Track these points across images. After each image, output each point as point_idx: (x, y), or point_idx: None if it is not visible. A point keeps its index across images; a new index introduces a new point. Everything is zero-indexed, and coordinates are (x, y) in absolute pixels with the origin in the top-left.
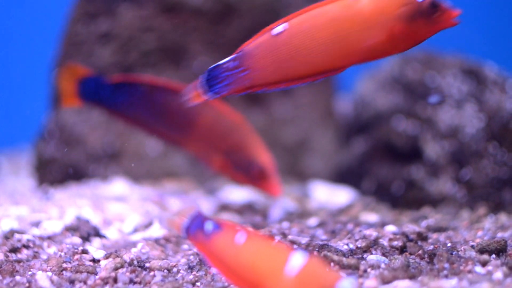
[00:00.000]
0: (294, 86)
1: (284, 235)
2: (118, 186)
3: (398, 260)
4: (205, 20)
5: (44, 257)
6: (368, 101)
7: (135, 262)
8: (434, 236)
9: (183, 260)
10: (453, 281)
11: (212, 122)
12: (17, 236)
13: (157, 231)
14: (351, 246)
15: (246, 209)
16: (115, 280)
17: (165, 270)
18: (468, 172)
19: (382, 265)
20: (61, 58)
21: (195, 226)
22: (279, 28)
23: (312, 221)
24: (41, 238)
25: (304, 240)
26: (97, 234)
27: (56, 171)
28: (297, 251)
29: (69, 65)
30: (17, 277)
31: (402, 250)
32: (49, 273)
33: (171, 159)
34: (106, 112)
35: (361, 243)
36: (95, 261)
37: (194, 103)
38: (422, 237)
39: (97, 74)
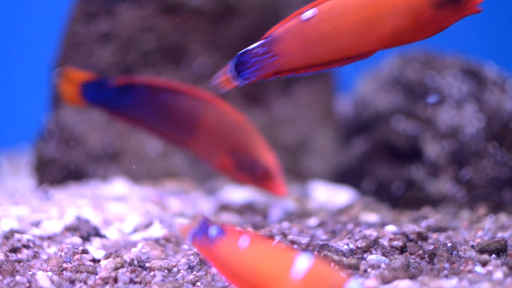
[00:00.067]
0: (321, 71)
1: (284, 235)
2: (118, 186)
3: (398, 260)
4: (205, 20)
5: (44, 257)
6: (368, 101)
7: (135, 262)
8: (434, 236)
9: (183, 260)
10: (453, 281)
11: (215, 122)
12: (17, 236)
13: (157, 231)
14: (351, 246)
15: (246, 209)
16: (115, 280)
17: (165, 270)
18: (468, 172)
19: (382, 265)
20: (61, 58)
21: (201, 232)
22: (308, 13)
23: (312, 221)
24: (41, 238)
25: (304, 240)
26: (97, 234)
27: (56, 171)
28: (303, 253)
29: (70, 70)
30: (17, 277)
31: (402, 250)
32: (49, 273)
33: (171, 159)
34: (110, 114)
35: (361, 243)
36: (95, 261)
37: (224, 89)
38: (422, 237)
39: (101, 77)
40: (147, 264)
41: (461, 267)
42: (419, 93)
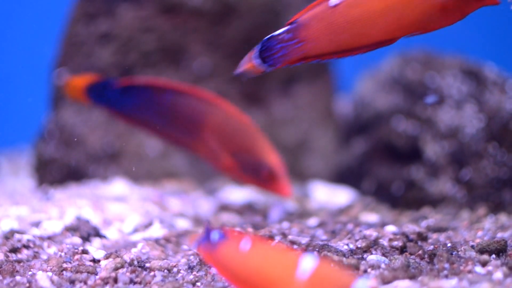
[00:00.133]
0: (346, 57)
1: (284, 235)
2: (118, 186)
3: (398, 260)
4: (205, 21)
5: (44, 257)
6: (368, 101)
7: (135, 262)
8: (434, 236)
9: (183, 260)
10: (453, 281)
11: (220, 123)
12: (17, 236)
13: (157, 231)
14: (351, 246)
15: (246, 209)
16: (115, 280)
17: (165, 270)
18: (468, 172)
19: (382, 265)
20: (61, 58)
21: (204, 238)
22: None
23: (312, 221)
24: (41, 238)
25: (304, 240)
26: (97, 234)
27: (56, 172)
28: (307, 254)
29: (72, 78)
30: (17, 277)
31: (402, 250)
32: (50, 273)
33: (171, 159)
34: (114, 115)
35: (361, 243)
36: (95, 261)
37: (250, 75)
38: (422, 237)
39: (106, 78)
40: (147, 264)
41: (461, 267)
42: (419, 94)
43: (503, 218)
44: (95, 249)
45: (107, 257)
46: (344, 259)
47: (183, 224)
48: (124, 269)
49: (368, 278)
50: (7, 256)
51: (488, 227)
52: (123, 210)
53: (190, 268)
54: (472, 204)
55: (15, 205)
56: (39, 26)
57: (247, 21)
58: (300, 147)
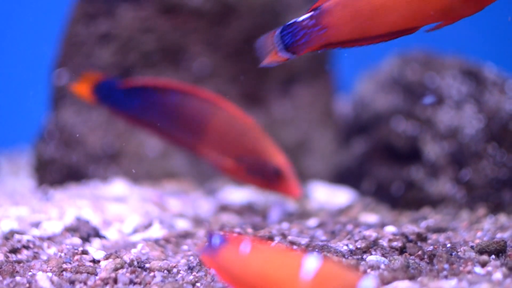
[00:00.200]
0: (367, 45)
1: (283, 236)
2: (118, 186)
3: (398, 260)
4: (205, 21)
5: (44, 257)
6: (367, 101)
7: (135, 263)
8: (433, 236)
9: (183, 261)
10: (453, 281)
11: (225, 125)
12: (17, 236)
13: (157, 231)
14: (351, 246)
15: (246, 209)
16: (115, 281)
17: (165, 271)
18: (468, 173)
19: (382, 266)
20: (61, 59)
21: (208, 245)
22: None
23: (312, 222)
24: (41, 238)
25: (304, 240)
26: (97, 234)
27: (55, 172)
28: (310, 254)
29: (85, 73)
30: (17, 278)
31: (401, 250)
32: (49, 274)
33: (171, 160)
34: (118, 115)
35: (360, 244)
36: (95, 261)
37: (272, 63)
38: (421, 237)
39: (111, 77)
40: (147, 265)
41: (461, 268)
42: (418, 94)
43: (502, 218)
44: (95, 249)
45: (107, 257)
46: (343, 259)
47: (183, 224)
48: (124, 270)
49: (373, 277)
50: (7, 257)
51: (488, 227)
52: (123, 210)
53: (190, 269)
54: (471, 205)
55: (15, 206)
56: (39, 26)
57: (247, 22)
58: (299, 148)
